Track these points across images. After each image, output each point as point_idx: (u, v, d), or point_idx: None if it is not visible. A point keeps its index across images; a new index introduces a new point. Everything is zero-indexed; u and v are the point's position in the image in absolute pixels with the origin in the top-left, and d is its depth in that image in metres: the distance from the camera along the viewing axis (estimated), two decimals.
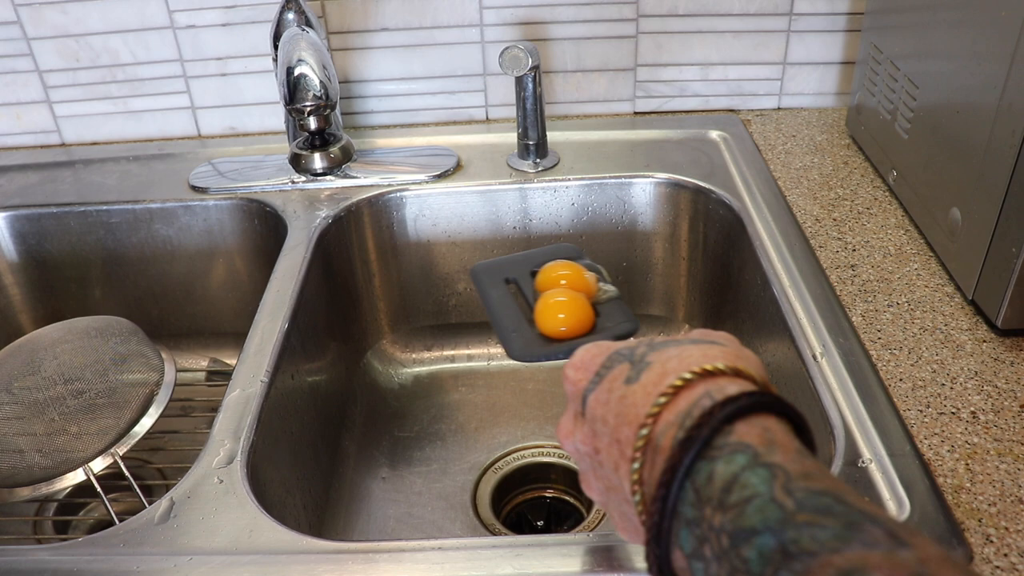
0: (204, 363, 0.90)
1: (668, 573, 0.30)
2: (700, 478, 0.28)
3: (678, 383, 0.31)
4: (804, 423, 0.31)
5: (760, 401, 0.30)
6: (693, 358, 0.32)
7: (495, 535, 0.74)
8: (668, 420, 0.31)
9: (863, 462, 0.51)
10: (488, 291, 0.56)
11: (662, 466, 0.30)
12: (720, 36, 0.93)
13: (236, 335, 0.72)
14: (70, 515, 0.76)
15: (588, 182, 0.86)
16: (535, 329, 0.52)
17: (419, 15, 0.92)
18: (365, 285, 0.90)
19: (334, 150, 0.87)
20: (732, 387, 0.31)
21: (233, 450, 0.56)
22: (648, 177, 0.86)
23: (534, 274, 0.57)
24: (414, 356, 0.93)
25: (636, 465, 0.31)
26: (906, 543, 0.24)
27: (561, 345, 0.50)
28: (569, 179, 0.86)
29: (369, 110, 0.98)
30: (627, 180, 0.86)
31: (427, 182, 0.86)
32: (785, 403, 0.31)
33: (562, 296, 0.52)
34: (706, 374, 0.31)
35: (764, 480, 0.27)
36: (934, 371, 0.58)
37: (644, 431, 0.31)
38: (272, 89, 0.94)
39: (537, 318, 0.52)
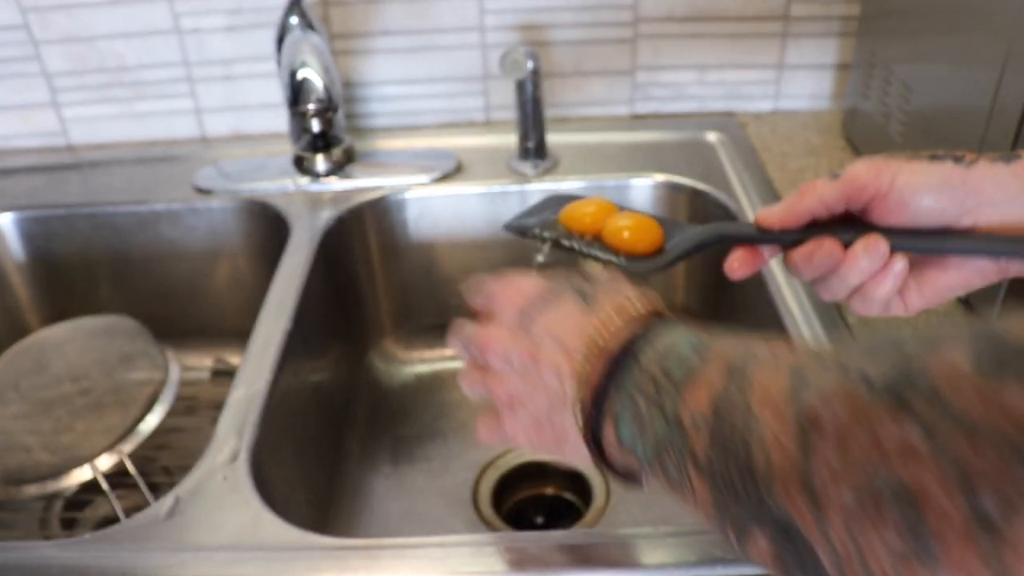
0: (208, 362, 0.91)
1: (598, 439, 0.40)
2: (645, 356, 0.39)
3: (630, 313, 0.42)
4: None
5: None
6: (626, 304, 0.42)
7: (496, 531, 0.75)
8: (619, 335, 0.41)
9: None
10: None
11: (616, 351, 0.40)
12: (717, 40, 0.94)
13: (240, 335, 0.73)
14: (77, 512, 0.76)
15: (587, 183, 0.87)
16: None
17: (420, 19, 0.92)
18: (367, 285, 0.91)
19: (336, 152, 0.88)
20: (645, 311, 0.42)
21: (237, 448, 0.57)
22: (646, 178, 0.87)
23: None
24: (416, 355, 0.94)
25: (586, 367, 0.41)
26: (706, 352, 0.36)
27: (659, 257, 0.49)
28: (568, 180, 0.87)
29: (371, 112, 0.98)
30: (625, 181, 0.87)
31: (428, 184, 0.87)
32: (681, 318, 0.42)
33: (627, 220, 0.50)
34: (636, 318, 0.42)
35: (685, 339, 0.38)
36: None
37: (601, 342, 0.40)
38: (276, 92, 0.95)
39: (631, 243, 0.49)
